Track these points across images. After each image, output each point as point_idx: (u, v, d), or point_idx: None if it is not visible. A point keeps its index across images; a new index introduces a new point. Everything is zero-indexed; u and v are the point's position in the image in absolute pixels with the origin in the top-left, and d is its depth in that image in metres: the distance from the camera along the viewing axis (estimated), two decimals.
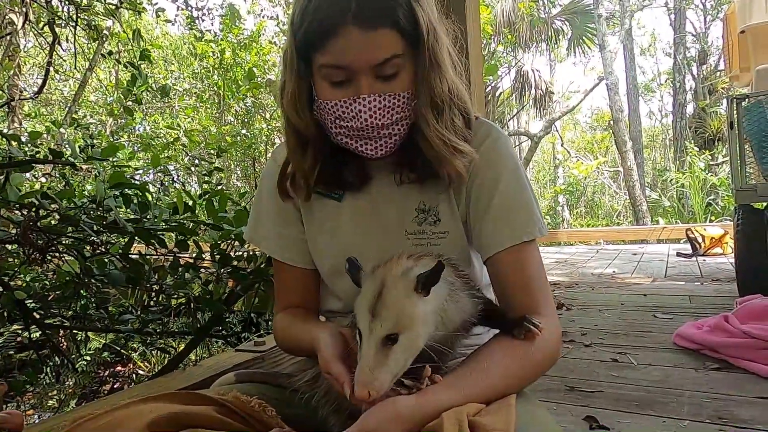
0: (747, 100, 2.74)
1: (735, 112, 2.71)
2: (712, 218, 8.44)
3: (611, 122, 12.29)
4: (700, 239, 5.49)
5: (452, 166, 0.83)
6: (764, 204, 2.86)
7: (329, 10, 0.74)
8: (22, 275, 2.51)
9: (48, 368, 3.08)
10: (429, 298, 0.68)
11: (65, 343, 3.31)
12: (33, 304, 2.43)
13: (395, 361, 0.64)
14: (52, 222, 2.14)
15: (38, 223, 1.93)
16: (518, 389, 0.76)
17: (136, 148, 7.69)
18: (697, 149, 10.88)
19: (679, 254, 5.56)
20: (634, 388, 1.66)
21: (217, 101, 10.85)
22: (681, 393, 1.59)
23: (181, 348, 2.72)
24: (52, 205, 1.80)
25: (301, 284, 1.01)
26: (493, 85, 11.92)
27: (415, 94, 0.82)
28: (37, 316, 2.46)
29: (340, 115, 0.80)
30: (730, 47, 4.13)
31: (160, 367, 3.16)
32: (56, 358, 3.00)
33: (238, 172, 12.29)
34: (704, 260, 5.07)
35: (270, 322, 3.84)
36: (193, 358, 3.37)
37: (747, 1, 3.73)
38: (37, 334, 2.71)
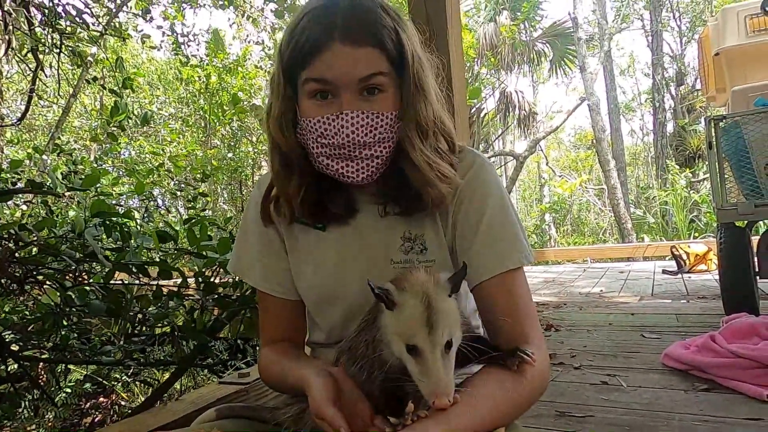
0: (724, 120, 2.80)
1: (713, 132, 2.77)
2: (696, 235, 8.56)
3: (594, 141, 12.51)
4: (684, 256, 5.54)
5: (437, 190, 0.83)
6: (746, 222, 2.90)
7: (316, 29, 0.77)
8: None
9: (26, 402, 2.99)
10: (453, 299, 0.72)
11: (44, 376, 3.22)
12: (11, 336, 2.36)
13: (452, 365, 0.68)
14: (33, 250, 2.10)
15: (16, 254, 1.89)
16: (507, 422, 0.76)
17: (120, 173, 7.63)
18: (678, 167, 11.08)
19: (664, 272, 5.61)
20: (625, 412, 1.64)
21: (203, 125, 10.85)
22: (671, 416, 1.58)
23: (164, 379, 2.65)
24: (31, 236, 1.76)
25: (286, 315, 1.00)
26: (477, 106, 12.08)
27: (400, 117, 0.82)
28: (15, 349, 2.38)
29: (322, 133, 0.80)
30: (705, 69, 4.24)
31: (143, 398, 3.08)
32: (35, 391, 2.91)
33: (225, 196, 12.23)
34: (689, 277, 5.12)
35: (257, 348, 3.77)
36: (178, 387, 3.29)
37: (720, 25, 3.85)
38: (15, 367, 2.63)
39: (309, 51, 0.77)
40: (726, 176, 2.81)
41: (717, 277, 3.17)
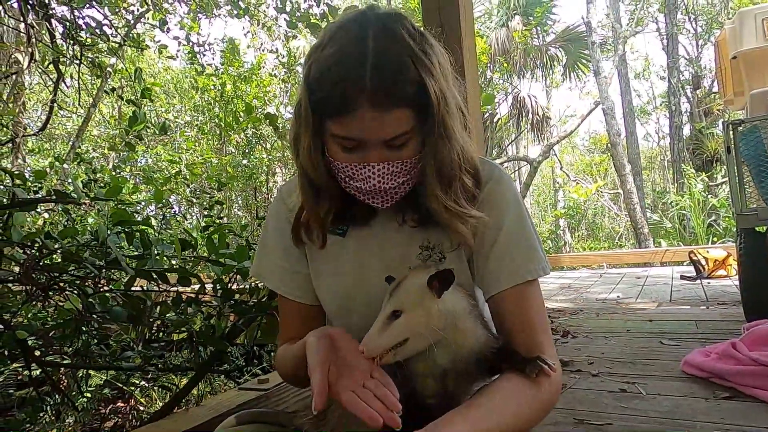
0: (743, 124, 2.77)
1: (732, 136, 2.73)
2: (714, 239, 8.42)
3: (609, 145, 12.40)
4: (703, 261, 5.45)
5: (457, 233, 0.86)
6: (766, 227, 2.86)
7: (345, 86, 0.75)
8: (23, 312, 2.50)
9: (48, 406, 3.04)
10: (442, 299, 0.75)
11: (66, 381, 3.27)
12: (34, 342, 2.41)
13: (393, 331, 0.74)
14: (56, 257, 2.14)
15: (40, 262, 1.94)
16: (526, 428, 0.78)
17: (138, 180, 7.75)
18: (695, 171, 10.92)
19: (683, 277, 5.52)
20: (644, 420, 1.63)
21: (218, 133, 10.98)
22: (692, 425, 1.56)
23: (182, 383, 2.68)
24: (55, 245, 1.80)
25: (305, 319, 1.02)
26: (490, 111, 12.06)
27: (421, 158, 0.84)
28: (38, 354, 2.44)
29: (350, 175, 0.83)
30: (723, 72, 4.19)
31: (161, 404, 3.11)
32: (56, 396, 2.96)
33: (240, 202, 12.35)
34: (708, 283, 5.03)
35: (272, 354, 3.80)
36: (196, 393, 3.32)
37: (737, 27, 3.81)
38: (38, 372, 2.69)
39: (337, 109, 0.77)
40: (745, 181, 2.77)
41: (737, 283, 3.12)
